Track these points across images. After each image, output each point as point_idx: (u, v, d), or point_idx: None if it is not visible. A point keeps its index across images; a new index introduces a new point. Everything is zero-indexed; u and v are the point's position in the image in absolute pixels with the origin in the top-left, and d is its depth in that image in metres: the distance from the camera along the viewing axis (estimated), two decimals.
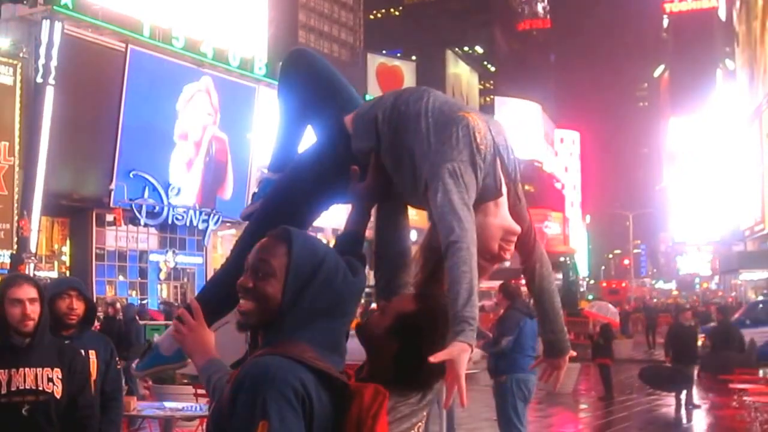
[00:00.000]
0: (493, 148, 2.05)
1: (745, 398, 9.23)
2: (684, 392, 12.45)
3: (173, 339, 2.08)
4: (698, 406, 12.55)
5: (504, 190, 2.08)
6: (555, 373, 2.30)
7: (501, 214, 2.07)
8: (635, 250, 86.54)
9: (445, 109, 2.09)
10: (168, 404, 7.33)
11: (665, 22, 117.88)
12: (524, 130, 66.08)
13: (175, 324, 2.02)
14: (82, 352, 3.77)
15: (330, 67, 2.45)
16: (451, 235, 1.88)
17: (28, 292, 3.10)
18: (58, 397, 3.14)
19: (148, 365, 2.32)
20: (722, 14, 65.38)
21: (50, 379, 3.12)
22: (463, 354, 1.74)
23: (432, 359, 1.72)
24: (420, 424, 1.82)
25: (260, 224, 2.21)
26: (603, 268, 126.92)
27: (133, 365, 2.42)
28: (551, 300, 2.26)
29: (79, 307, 3.81)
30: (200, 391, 8.12)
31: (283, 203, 2.25)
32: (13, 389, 3.04)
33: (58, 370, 3.16)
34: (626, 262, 68.96)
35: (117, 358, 4.17)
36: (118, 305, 13.99)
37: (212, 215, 34.18)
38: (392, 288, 2.17)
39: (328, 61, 2.49)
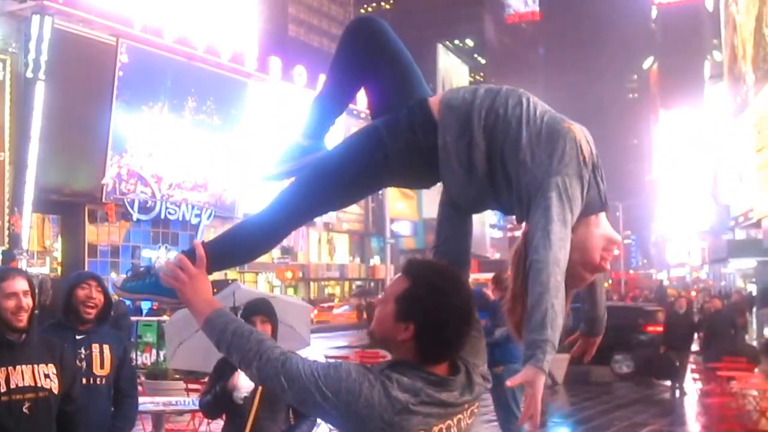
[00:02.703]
0: (593, 158, 2.02)
1: (732, 386, 9.35)
2: (677, 379, 12.61)
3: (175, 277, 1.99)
4: (685, 393, 12.69)
5: (607, 202, 2.06)
6: (588, 349, 2.36)
7: (602, 224, 2.04)
8: (626, 241, 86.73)
9: (548, 120, 2.02)
10: (160, 399, 7.36)
11: (654, 14, 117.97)
12: None
13: (172, 269, 1.95)
14: (97, 345, 3.81)
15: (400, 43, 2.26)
16: (535, 253, 1.87)
17: (22, 284, 3.10)
18: (56, 392, 3.16)
19: (139, 289, 2.16)
20: (709, 5, 65.50)
21: (47, 375, 3.14)
22: (537, 378, 1.77)
23: (509, 384, 1.77)
24: (454, 428, 1.77)
25: (307, 195, 2.12)
26: None
27: (118, 280, 2.23)
28: (598, 287, 2.29)
29: (97, 297, 3.80)
30: (191, 386, 8.14)
31: (336, 174, 2.11)
32: (12, 387, 3.04)
33: (52, 365, 3.17)
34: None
35: (131, 356, 4.16)
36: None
37: (205, 210, 34.13)
38: None
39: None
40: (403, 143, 2.07)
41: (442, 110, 2.07)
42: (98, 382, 3.81)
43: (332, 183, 2.12)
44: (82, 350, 3.78)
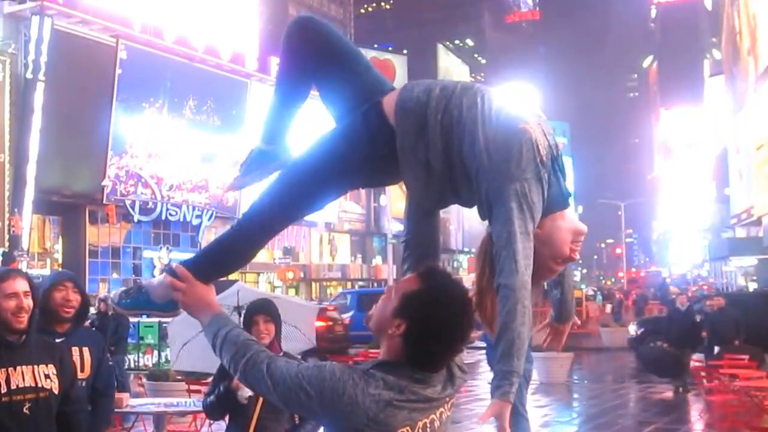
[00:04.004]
0: (551, 152, 2.03)
1: (735, 383, 9.32)
2: (680, 377, 12.59)
3: (168, 293, 2.09)
4: (689, 391, 12.67)
5: (570, 198, 2.08)
6: (558, 338, 2.38)
7: (568, 217, 2.06)
8: (627, 240, 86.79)
9: (504, 120, 2.00)
10: (161, 400, 7.34)
11: (653, 13, 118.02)
12: None
13: (170, 282, 2.04)
14: (76, 349, 3.77)
15: (346, 39, 2.31)
16: (501, 276, 1.91)
17: (23, 285, 3.10)
18: (56, 392, 3.15)
19: (134, 305, 2.26)
20: (708, 4, 65.49)
21: (47, 376, 3.13)
22: (505, 410, 1.83)
23: (481, 421, 1.83)
24: (437, 421, 1.81)
25: (275, 204, 2.19)
26: (595, 257, 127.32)
27: (112, 296, 2.35)
28: (569, 275, 2.31)
29: (74, 299, 3.78)
30: (193, 387, 8.12)
31: (303, 184, 2.15)
32: (12, 388, 3.03)
33: (52, 366, 3.16)
34: (618, 251, 69.25)
35: (108, 355, 4.17)
36: (110, 301, 13.98)
37: (206, 211, 34.12)
38: None
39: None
40: (365, 152, 2.11)
41: (397, 114, 2.08)
42: (80, 386, 3.79)
43: (303, 194, 2.17)
44: None
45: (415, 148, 2.06)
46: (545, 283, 2.20)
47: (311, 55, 2.20)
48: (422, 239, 2.21)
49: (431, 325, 1.76)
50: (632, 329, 18.35)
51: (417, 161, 2.07)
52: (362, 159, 2.11)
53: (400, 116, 2.08)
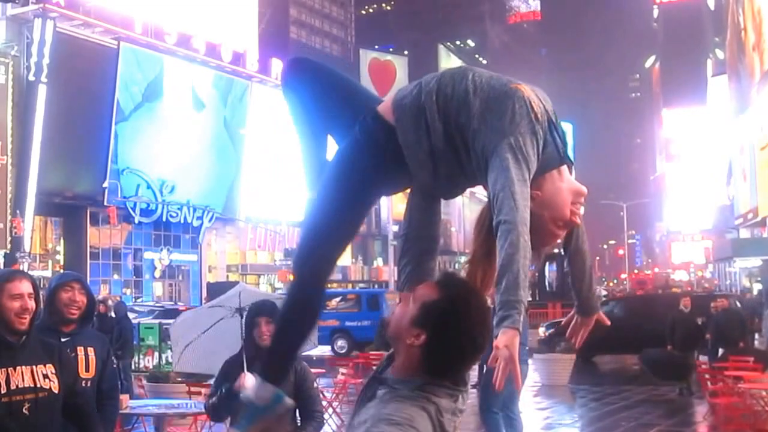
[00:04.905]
0: (548, 115, 2.05)
1: (740, 386, 9.27)
2: (684, 379, 12.54)
3: (263, 384, 2.12)
4: (693, 393, 12.62)
5: (566, 155, 2.09)
6: (582, 331, 2.33)
7: (566, 178, 2.07)
8: (630, 241, 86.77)
9: (495, 84, 2.06)
10: (161, 401, 7.32)
11: (655, 13, 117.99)
12: None
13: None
14: (81, 348, 3.79)
15: (334, 69, 2.37)
16: (501, 214, 1.90)
17: (27, 287, 3.12)
18: (57, 392, 3.16)
19: (251, 422, 2.18)
20: (711, 4, 65.49)
21: (45, 376, 3.13)
22: (515, 339, 1.79)
23: (496, 344, 1.77)
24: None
25: (323, 246, 2.19)
26: (598, 258, 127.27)
27: (232, 429, 2.25)
28: (585, 261, 2.28)
29: (80, 300, 3.79)
30: (193, 389, 8.11)
31: (335, 215, 2.17)
32: (12, 388, 3.04)
33: (51, 365, 3.17)
34: (621, 252, 69.27)
35: (113, 357, 4.16)
36: (110, 302, 13.95)
37: (206, 212, 34.12)
38: (420, 273, 2.13)
39: (327, 64, 2.41)
40: (375, 158, 2.13)
41: (395, 112, 2.13)
42: (84, 385, 3.78)
43: (340, 223, 2.18)
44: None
45: (418, 140, 2.09)
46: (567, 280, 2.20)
47: (311, 92, 2.29)
48: (422, 233, 2.20)
49: (452, 337, 1.73)
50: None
51: (422, 151, 2.09)
52: (374, 166, 2.14)
53: (398, 113, 2.12)
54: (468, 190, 2.34)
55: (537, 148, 1.98)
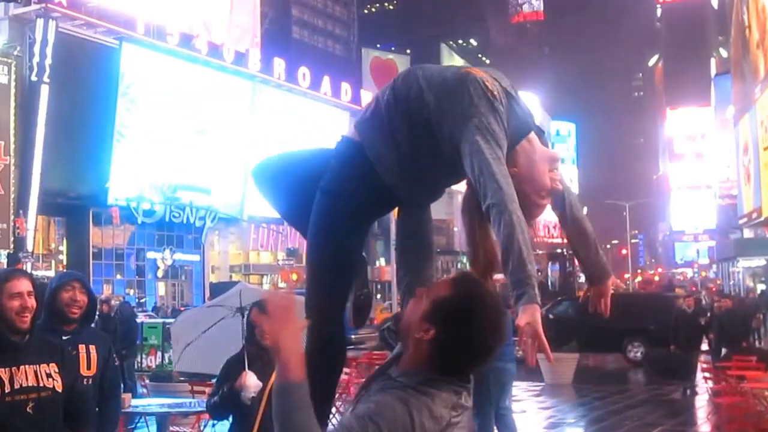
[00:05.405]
0: (504, 91, 2.09)
1: (743, 385, 9.25)
2: (688, 379, 12.52)
3: None
4: (696, 393, 12.60)
5: (532, 122, 2.13)
6: (603, 301, 2.30)
7: (537, 147, 2.11)
8: (633, 240, 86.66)
9: (446, 74, 2.11)
10: (164, 400, 7.33)
11: (659, 12, 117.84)
12: None
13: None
14: (83, 346, 3.81)
15: (289, 156, 2.47)
16: (487, 198, 1.93)
17: (25, 285, 3.12)
18: (60, 391, 3.16)
19: None
20: (714, 2, 65.37)
21: (49, 375, 3.14)
22: (537, 313, 1.81)
23: (518, 322, 1.80)
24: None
25: (320, 280, 2.23)
26: None
27: None
28: (585, 226, 2.29)
29: (81, 299, 3.80)
30: (197, 388, 8.12)
31: (332, 252, 2.20)
32: (16, 387, 3.04)
33: (54, 364, 3.18)
34: (624, 252, 69.16)
35: (115, 356, 4.17)
36: (113, 302, 13.99)
37: (209, 213, 34.12)
38: (419, 283, 2.12)
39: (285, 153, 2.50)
40: (355, 183, 2.15)
41: (360, 131, 2.17)
42: (85, 383, 3.80)
43: (340, 254, 2.20)
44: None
45: (387, 153, 2.13)
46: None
47: (282, 191, 2.40)
48: (416, 243, 2.22)
49: (462, 334, 1.70)
50: None
51: (397, 162, 2.12)
52: (356, 189, 2.16)
53: (362, 130, 2.16)
54: None
55: (502, 123, 2.02)
